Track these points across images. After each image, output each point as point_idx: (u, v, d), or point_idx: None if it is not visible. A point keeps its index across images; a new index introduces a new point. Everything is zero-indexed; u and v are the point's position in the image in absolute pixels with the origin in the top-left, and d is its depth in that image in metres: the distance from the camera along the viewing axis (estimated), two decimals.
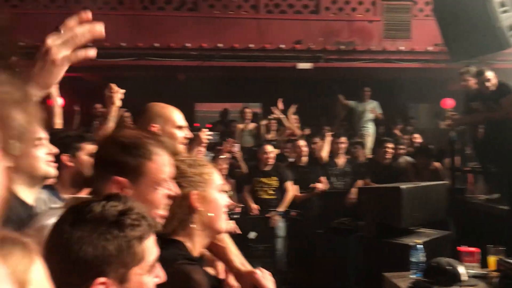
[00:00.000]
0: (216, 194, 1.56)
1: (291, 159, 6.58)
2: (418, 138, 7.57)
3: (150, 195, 1.34)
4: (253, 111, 9.24)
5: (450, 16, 7.51)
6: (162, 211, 1.37)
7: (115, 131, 1.90)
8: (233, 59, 8.71)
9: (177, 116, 2.30)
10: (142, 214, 1.05)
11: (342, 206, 5.86)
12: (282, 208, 5.69)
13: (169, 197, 1.38)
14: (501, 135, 5.44)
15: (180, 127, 2.28)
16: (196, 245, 1.52)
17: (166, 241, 1.46)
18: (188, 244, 1.50)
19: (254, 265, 1.84)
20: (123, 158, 1.33)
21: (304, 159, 6.24)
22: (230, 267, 1.79)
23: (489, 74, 5.50)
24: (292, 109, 7.58)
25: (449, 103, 9.47)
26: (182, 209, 1.47)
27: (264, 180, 5.84)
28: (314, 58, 8.99)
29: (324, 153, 6.32)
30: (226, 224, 1.59)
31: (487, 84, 5.47)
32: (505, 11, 6.64)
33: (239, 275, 1.74)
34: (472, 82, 5.84)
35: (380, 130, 9.00)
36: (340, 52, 9.17)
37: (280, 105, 7.53)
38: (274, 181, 5.83)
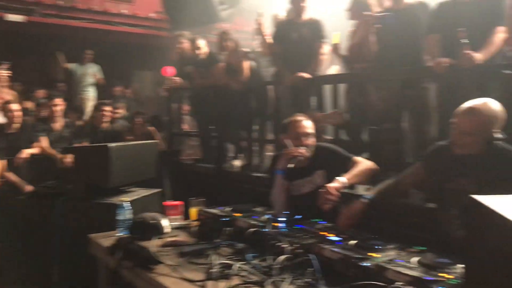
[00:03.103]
0: None
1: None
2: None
3: None
4: None
5: None
6: None
7: None
8: None
9: None
10: None
11: (55, 170, 5.47)
12: None
13: None
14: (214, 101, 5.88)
15: None
16: None
17: None
18: None
19: None
20: None
21: (16, 125, 5.55)
22: None
23: (201, 43, 5.86)
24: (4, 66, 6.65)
25: (169, 71, 9.80)
26: None
27: None
28: (27, 11, 8.07)
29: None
30: None
31: (198, 51, 5.83)
32: None
33: None
34: (187, 46, 6.15)
35: (101, 95, 8.75)
36: (57, 7, 8.48)
37: None
38: None
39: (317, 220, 2.88)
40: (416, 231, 3.06)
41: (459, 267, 1.96)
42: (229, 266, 2.25)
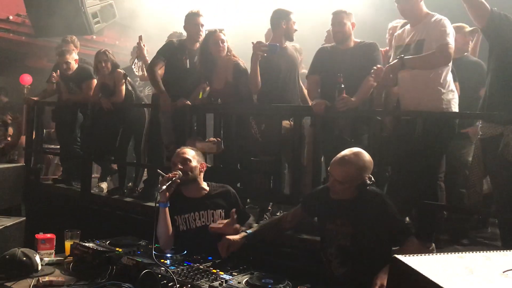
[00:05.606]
0: None
1: None
2: None
3: None
4: None
5: None
6: None
7: None
8: None
9: None
10: None
11: None
12: None
13: None
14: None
15: None
16: None
17: None
18: None
19: None
20: None
21: None
22: None
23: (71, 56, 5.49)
24: None
25: (27, 79, 9.01)
26: None
27: None
28: None
29: None
30: None
31: (65, 66, 5.45)
32: None
33: None
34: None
35: None
36: None
37: None
38: None
39: (204, 255, 2.86)
40: (302, 264, 3.23)
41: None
42: None
